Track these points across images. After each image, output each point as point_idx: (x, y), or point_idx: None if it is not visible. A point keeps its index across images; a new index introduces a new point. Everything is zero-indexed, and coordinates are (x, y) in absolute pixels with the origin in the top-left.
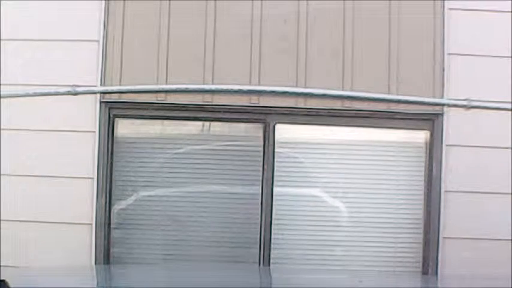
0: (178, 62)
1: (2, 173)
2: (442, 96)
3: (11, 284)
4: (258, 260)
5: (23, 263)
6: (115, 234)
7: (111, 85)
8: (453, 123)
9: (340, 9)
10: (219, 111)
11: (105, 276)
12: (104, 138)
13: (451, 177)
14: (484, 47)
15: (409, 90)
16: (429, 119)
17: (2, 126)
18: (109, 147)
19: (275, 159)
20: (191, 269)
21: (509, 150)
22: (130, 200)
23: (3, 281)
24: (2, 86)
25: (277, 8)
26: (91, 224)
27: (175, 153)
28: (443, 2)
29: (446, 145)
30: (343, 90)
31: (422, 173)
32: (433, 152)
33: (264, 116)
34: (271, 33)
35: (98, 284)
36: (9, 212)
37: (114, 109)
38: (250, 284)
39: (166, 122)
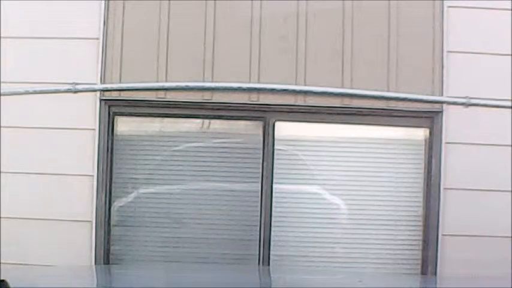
0: (178, 60)
1: (2, 170)
2: (441, 94)
3: (11, 284)
4: (257, 257)
5: (23, 261)
6: (115, 231)
7: (111, 83)
8: (452, 121)
9: (340, 8)
10: (219, 109)
11: (105, 276)
12: (104, 135)
13: (451, 174)
14: (483, 45)
15: (409, 88)
16: (428, 117)
17: (1, 124)
18: (109, 144)
19: (275, 157)
20: (191, 269)
21: (509, 147)
22: (130, 198)
23: (3, 280)
24: (1, 84)
25: (277, 7)
26: (91, 222)
27: (175, 151)
28: (443, 1)
29: (446, 143)
30: (342, 88)
31: (422, 171)
32: (432, 149)
33: (263, 113)
34: (271, 32)
35: (98, 284)
36: (9, 210)
37: (114, 107)
38: (250, 284)
39: (166, 119)
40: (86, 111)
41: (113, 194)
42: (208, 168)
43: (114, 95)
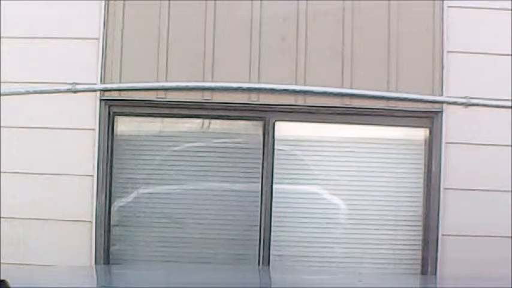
0: (178, 59)
1: (2, 170)
2: (441, 94)
3: (11, 284)
4: (257, 257)
5: (23, 261)
6: (115, 231)
7: (111, 83)
8: (452, 121)
9: (340, 8)
10: (219, 109)
11: (105, 276)
12: (104, 135)
13: (450, 174)
14: (483, 45)
15: (409, 88)
16: (428, 117)
17: (1, 124)
18: (109, 144)
19: (275, 157)
20: (191, 269)
21: (509, 147)
22: (130, 198)
23: (3, 280)
24: (1, 84)
25: (277, 7)
26: (91, 222)
27: (175, 151)
28: (443, 1)
29: (446, 143)
30: (342, 88)
31: (422, 171)
32: (432, 149)
33: (263, 113)
34: (271, 32)
35: (98, 284)
36: (9, 210)
37: (114, 107)
38: (250, 284)
39: (166, 119)
40: (86, 111)
41: (113, 194)
42: (208, 168)
43: (114, 95)
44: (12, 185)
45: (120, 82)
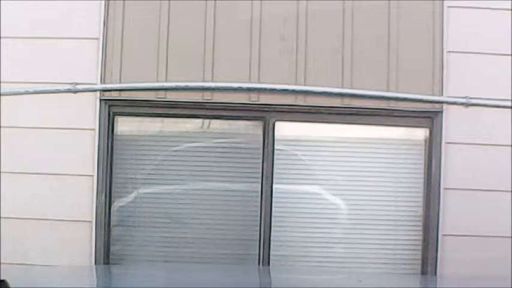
0: (178, 59)
1: (2, 170)
2: (441, 94)
3: (11, 284)
4: (257, 257)
5: (23, 261)
6: (115, 231)
7: (111, 83)
8: (452, 121)
9: (340, 8)
10: (219, 109)
11: (105, 276)
12: (104, 135)
13: (450, 174)
14: (483, 45)
15: (409, 88)
16: (428, 117)
17: (2, 124)
18: (109, 144)
19: (275, 157)
20: (191, 269)
21: (509, 147)
22: (130, 198)
23: (3, 280)
24: (1, 84)
25: (277, 7)
26: (91, 222)
27: (175, 151)
28: (443, 1)
29: (446, 143)
30: (342, 88)
31: (422, 171)
32: (432, 149)
33: (263, 113)
34: (271, 32)
35: (97, 284)
36: (9, 210)
37: (114, 107)
38: (250, 284)
39: (166, 119)
40: (86, 111)
41: (113, 194)
42: (208, 168)
43: (114, 95)
44: (12, 185)
45: (120, 82)
